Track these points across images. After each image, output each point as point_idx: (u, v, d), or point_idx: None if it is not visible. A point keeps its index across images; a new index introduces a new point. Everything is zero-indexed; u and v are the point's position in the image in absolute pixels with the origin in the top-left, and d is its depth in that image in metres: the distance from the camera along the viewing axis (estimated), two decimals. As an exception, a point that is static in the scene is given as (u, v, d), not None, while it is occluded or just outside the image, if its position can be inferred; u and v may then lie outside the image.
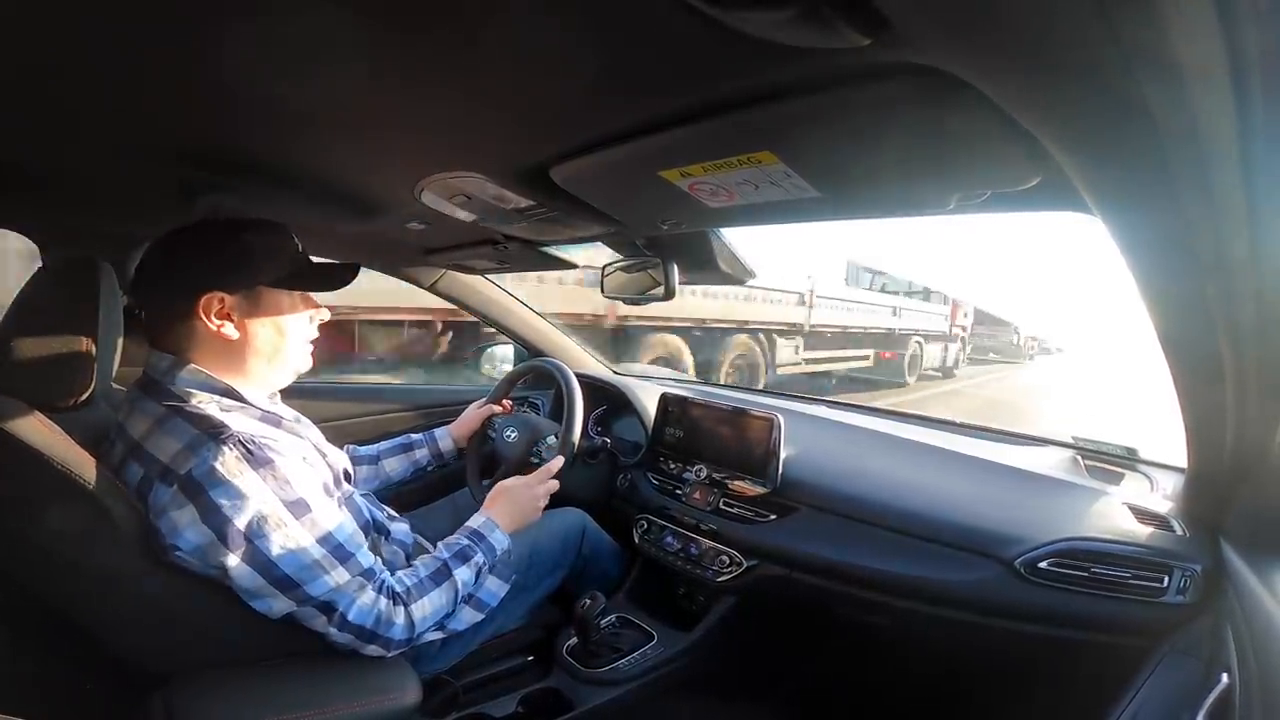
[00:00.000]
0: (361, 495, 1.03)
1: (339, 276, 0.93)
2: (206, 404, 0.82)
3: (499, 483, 1.12)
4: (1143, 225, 0.52)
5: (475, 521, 1.04)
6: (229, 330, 0.84)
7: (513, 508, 1.07)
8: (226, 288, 0.83)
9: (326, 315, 0.97)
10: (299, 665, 0.86)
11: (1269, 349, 0.57)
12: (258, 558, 0.77)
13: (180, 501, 0.75)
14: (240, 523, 0.75)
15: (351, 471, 1.04)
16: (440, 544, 1.00)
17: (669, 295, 1.28)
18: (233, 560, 0.76)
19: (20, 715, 0.66)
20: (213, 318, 0.83)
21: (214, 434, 0.77)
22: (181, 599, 0.79)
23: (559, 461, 1.19)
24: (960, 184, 0.70)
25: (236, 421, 0.81)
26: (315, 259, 0.95)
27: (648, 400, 1.59)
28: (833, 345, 8.08)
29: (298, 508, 0.80)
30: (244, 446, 0.77)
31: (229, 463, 0.76)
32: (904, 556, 1.06)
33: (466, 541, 0.99)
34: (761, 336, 6.76)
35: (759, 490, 1.25)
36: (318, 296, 0.95)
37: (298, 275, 0.90)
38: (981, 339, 17.24)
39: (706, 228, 1.13)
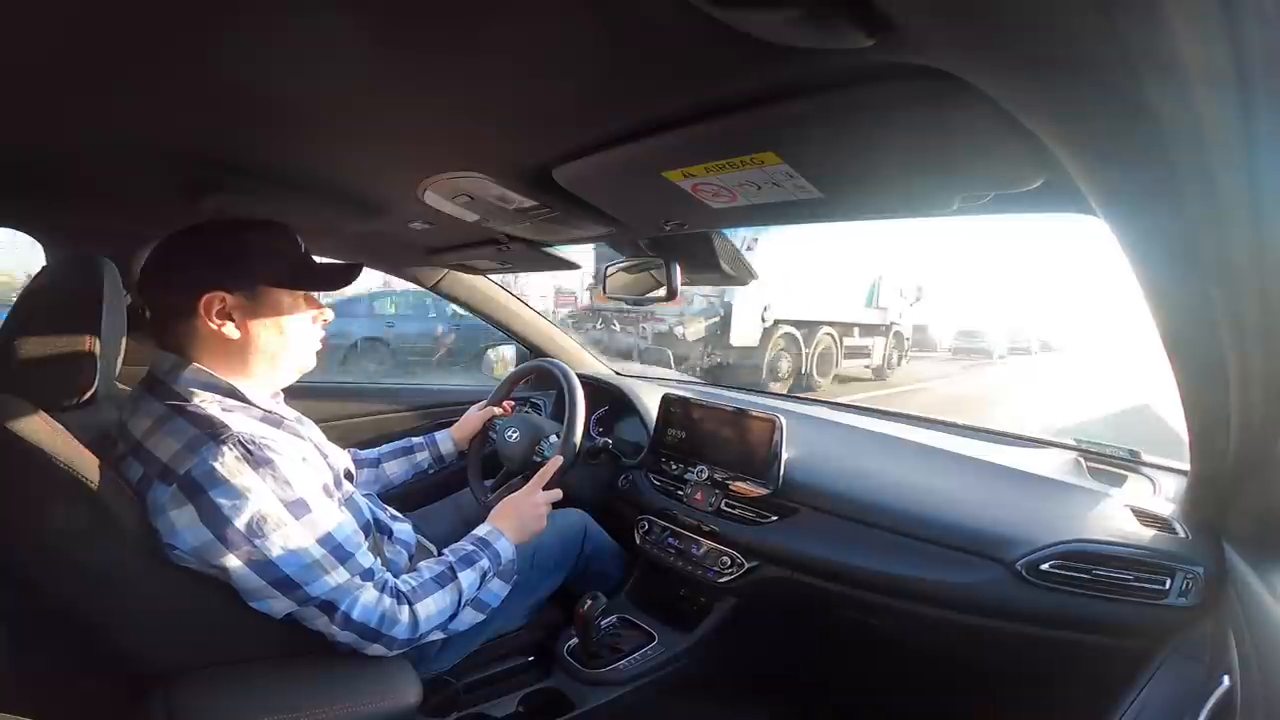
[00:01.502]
0: (363, 495, 1.03)
1: (340, 277, 0.93)
2: (208, 403, 0.82)
3: (504, 499, 1.12)
4: (1147, 227, 0.52)
5: (482, 530, 1.04)
6: (230, 330, 0.84)
7: (517, 520, 1.07)
8: (227, 287, 0.84)
9: (330, 316, 0.97)
10: (300, 665, 0.86)
11: (1273, 351, 0.57)
12: (257, 558, 0.77)
13: (179, 501, 0.75)
14: (240, 523, 0.75)
15: (353, 471, 1.04)
16: (446, 550, 1.00)
17: (671, 296, 1.29)
18: (233, 561, 0.76)
19: (21, 715, 0.66)
20: (214, 317, 0.83)
21: (214, 434, 0.77)
22: (182, 598, 0.79)
23: (555, 464, 1.19)
24: (964, 185, 0.70)
25: (237, 421, 0.81)
26: (318, 259, 0.95)
27: (649, 401, 1.59)
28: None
29: (297, 508, 0.80)
30: (244, 447, 0.77)
31: (228, 463, 0.76)
32: (905, 558, 1.06)
33: (472, 547, 1.00)
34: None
35: (760, 491, 1.25)
36: (320, 297, 0.95)
37: (299, 275, 0.90)
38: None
39: (709, 229, 1.13)
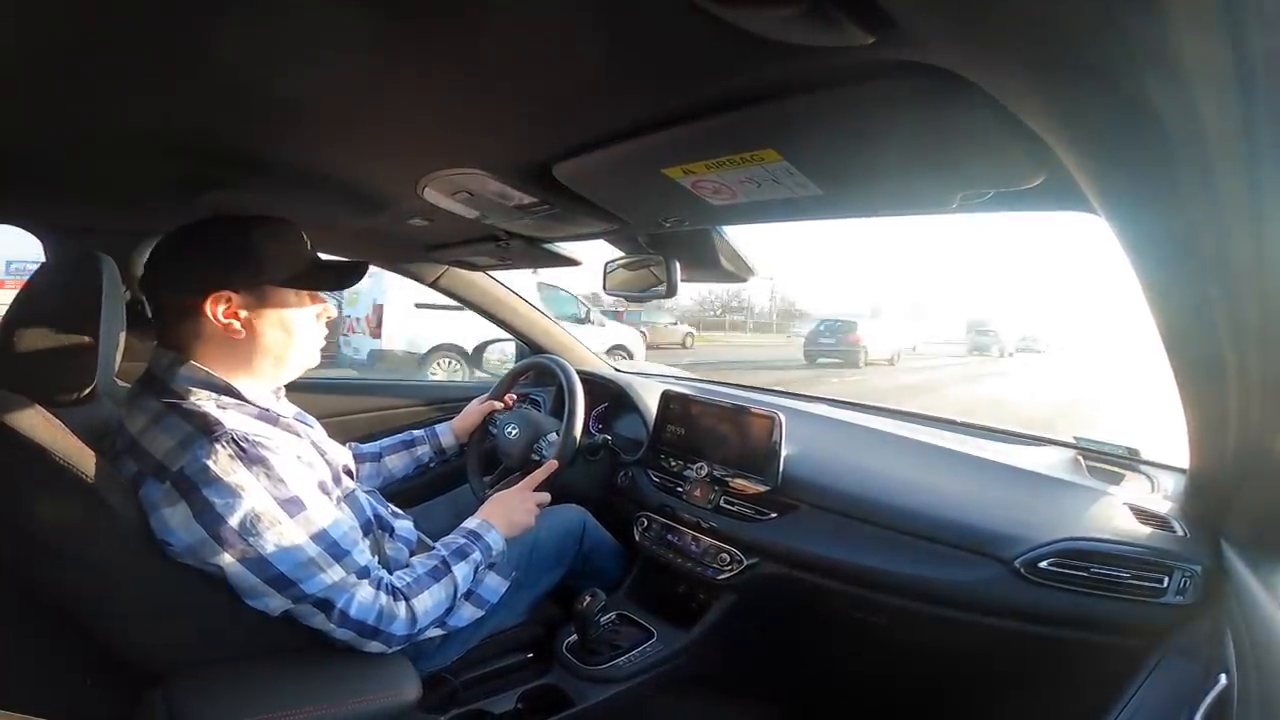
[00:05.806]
0: (365, 492, 1.04)
1: (346, 275, 0.93)
2: (203, 401, 0.82)
3: (494, 495, 1.13)
4: (1147, 226, 0.52)
5: (471, 523, 1.05)
6: (236, 327, 0.84)
7: (506, 515, 1.09)
8: (234, 285, 0.83)
9: (334, 313, 0.97)
10: (300, 661, 0.86)
11: (1272, 350, 0.57)
12: (251, 556, 0.77)
13: (172, 498, 0.75)
14: (234, 521, 0.75)
15: (353, 468, 1.04)
16: (438, 544, 1.01)
17: (671, 293, 1.29)
18: (227, 559, 0.76)
19: (20, 712, 0.66)
20: (220, 315, 0.83)
21: (207, 431, 0.77)
22: (180, 595, 0.79)
23: (550, 468, 1.20)
24: (964, 183, 0.70)
25: (231, 419, 0.80)
26: (322, 256, 0.95)
27: (649, 397, 1.59)
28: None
29: (291, 506, 0.79)
30: (237, 444, 0.77)
31: (221, 460, 0.76)
32: (904, 555, 1.06)
33: (463, 540, 1.00)
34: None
35: (760, 488, 1.25)
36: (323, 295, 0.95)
37: (307, 274, 0.90)
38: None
39: (709, 225, 1.13)
